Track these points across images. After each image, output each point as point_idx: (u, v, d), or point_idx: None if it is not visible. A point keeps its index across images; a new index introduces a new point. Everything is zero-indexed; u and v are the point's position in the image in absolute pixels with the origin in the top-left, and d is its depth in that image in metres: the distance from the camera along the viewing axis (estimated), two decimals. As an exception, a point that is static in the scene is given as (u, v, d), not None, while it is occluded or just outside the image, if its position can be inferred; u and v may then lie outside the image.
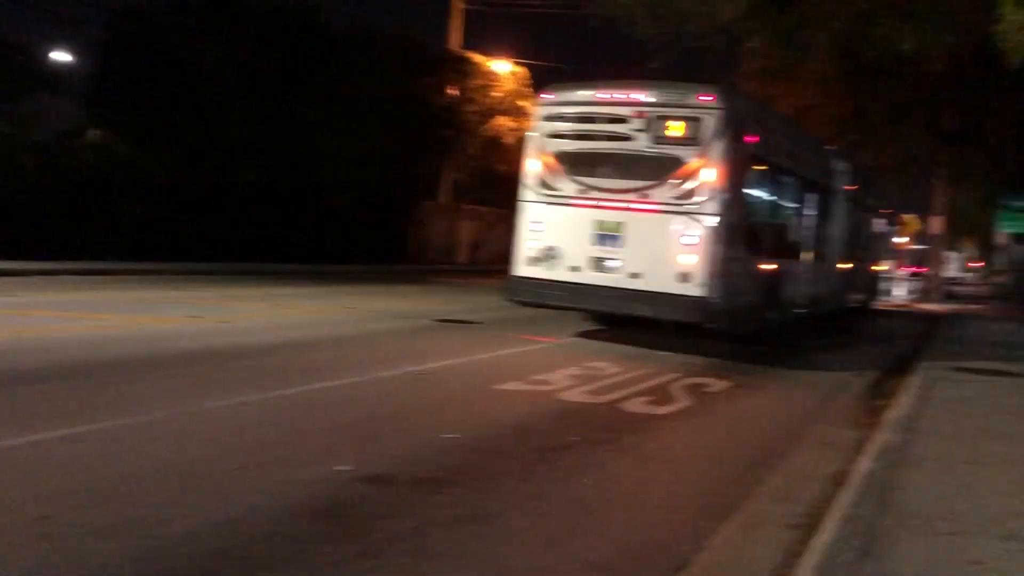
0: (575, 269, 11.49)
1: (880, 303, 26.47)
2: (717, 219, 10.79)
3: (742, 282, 11.60)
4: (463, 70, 34.02)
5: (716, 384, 9.14)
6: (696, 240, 10.81)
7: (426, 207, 34.91)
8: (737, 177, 11.11)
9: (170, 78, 27.24)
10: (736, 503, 5.04)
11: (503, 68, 34.26)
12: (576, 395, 7.83)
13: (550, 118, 11.74)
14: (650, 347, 11.57)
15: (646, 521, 4.71)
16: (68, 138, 21.72)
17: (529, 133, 11.99)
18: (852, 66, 18.64)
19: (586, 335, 12.39)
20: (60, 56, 33.04)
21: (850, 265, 19.73)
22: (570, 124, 11.58)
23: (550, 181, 11.73)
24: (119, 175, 22.21)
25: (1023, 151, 25.97)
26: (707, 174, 10.80)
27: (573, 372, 9.03)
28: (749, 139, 11.49)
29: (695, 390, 8.68)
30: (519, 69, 34.30)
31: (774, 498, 5.19)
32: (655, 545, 4.32)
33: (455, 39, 37.03)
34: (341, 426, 5.97)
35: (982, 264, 73.16)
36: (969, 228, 53.97)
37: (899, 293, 33.36)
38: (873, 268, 23.95)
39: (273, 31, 27.95)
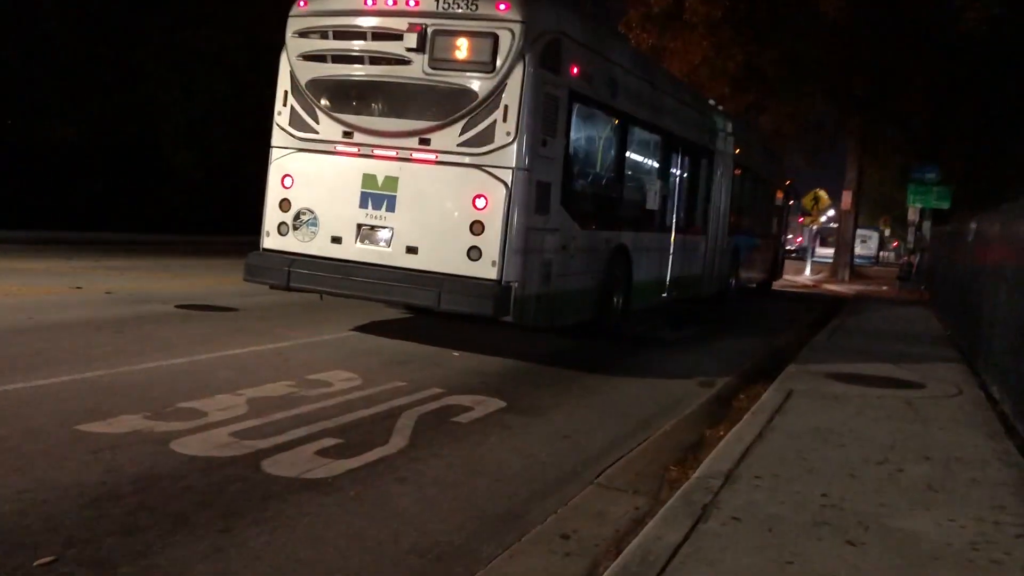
0: (337, 240, 8.52)
1: (783, 283, 24.25)
2: (518, 174, 7.91)
3: (563, 261, 8.78)
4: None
5: (478, 408, 6.28)
6: (489, 203, 7.92)
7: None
8: (548, 119, 8.24)
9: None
10: None
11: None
12: (212, 440, 4.88)
13: (304, 34, 8.66)
14: (447, 344, 8.74)
15: None
16: None
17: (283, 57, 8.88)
18: (742, 10, 15.97)
19: (371, 327, 9.44)
20: None
21: (742, 242, 17.22)
22: (329, 43, 8.52)
23: (306, 121, 8.69)
24: None
25: (935, 121, 23.85)
26: (504, 113, 7.90)
27: (268, 392, 6.07)
28: (571, 69, 8.61)
29: (434, 421, 5.81)
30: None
31: None
32: None
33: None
34: None
35: (896, 244, 72.77)
36: (885, 205, 52.75)
37: (806, 272, 31.37)
38: (773, 245, 21.56)
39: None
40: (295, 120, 8.73)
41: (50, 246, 15.79)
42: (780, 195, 21.91)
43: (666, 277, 12.64)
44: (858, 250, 39.97)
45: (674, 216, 12.82)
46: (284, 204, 8.75)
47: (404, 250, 8.22)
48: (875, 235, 62.83)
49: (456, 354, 8.41)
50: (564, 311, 9.10)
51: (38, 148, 21.39)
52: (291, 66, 8.71)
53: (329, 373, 6.86)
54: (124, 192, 23.20)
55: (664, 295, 12.71)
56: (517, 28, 7.83)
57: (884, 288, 26.56)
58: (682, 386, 8.17)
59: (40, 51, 23.26)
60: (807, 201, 29.56)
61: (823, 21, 15.91)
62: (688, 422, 6.65)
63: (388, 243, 8.29)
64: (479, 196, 7.94)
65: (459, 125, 8.01)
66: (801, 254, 40.87)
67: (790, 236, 34.30)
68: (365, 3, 8.33)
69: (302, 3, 8.68)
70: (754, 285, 19.89)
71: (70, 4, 23.97)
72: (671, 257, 12.74)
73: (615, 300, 10.53)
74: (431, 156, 8.14)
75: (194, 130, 24.60)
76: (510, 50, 7.82)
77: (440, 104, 8.11)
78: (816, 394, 7.45)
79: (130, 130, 23.58)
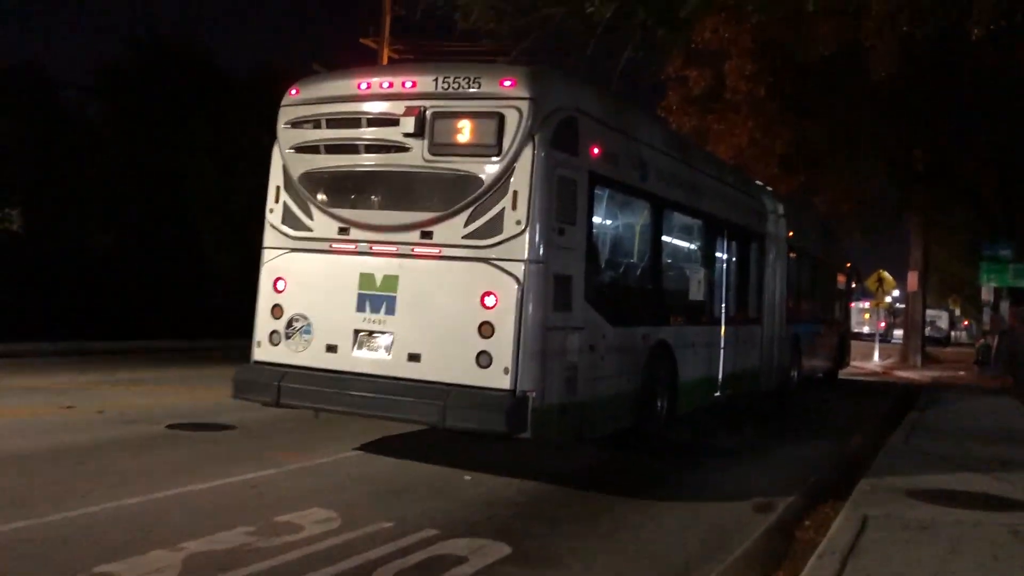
0: (332, 349, 7.55)
1: (851, 371, 22.61)
2: (531, 267, 6.90)
3: (591, 363, 7.67)
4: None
5: (474, 559, 5.10)
6: (499, 301, 6.90)
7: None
8: (565, 205, 7.25)
9: (53, 133, 23.89)
10: None
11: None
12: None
13: (297, 124, 7.90)
14: (461, 463, 7.64)
15: None
16: None
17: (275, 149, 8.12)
18: (787, 84, 15.06)
19: (380, 444, 8.36)
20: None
21: (802, 330, 15.87)
22: (322, 132, 7.74)
23: (299, 218, 7.87)
24: None
25: (1006, 192, 22.37)
26: (513, 200, 6.95)
27: (216, 544, 5.00)
28: (590, 150, 7.67)
29: (415, 579, 4.67)
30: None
31: None
32: None
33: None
34: None
35: (968, 324, 69.63)
36: (953, 283, 50.45)
37: (875, 358, 29.52)
38: (837, 332, 20.07)
39: (158, 77, 24.55)
40: (288, 217, 7.91)
41: (72, 358, 15.22)
42: (841, 278, 20.54)
43: (717, 374, 11.38)
44: (928, 331, 37.93)
45: (723, 306, 11.65)
46: (276, 310, 7.85)
47: (406, 358, 7.20)
48: (944, 315, 60.30)
49: (468, 477, 7.27)
50: (596, 421, 7.93)
51: (74, 256, 21.24)
52: (283, 159, 7.94)
53: (303, 512, 5.77)
54: (162, 298, 22.82)
55: (717, 394, 11.43)
56: (525, 106, 6.94)
57: (961, 374, 24.64)
58: (734, 511, 6.87)
59: (85, 157, 23.54)
60: (871, 283, 28.03)
61: (875, 90, 14.92)
62: (739, 568, 5.37)
63: (388, 350, 7.29)
64: (488, 294, 6.93)
65: (464, 215, 7.07)
66: (885, 337, 39.27)
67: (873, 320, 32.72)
68: (359, 87, 7.58)
69: (294, 91, 7.97)
70: (820, 375, 18.40)
71: (115, 106, 24.43)
72: (722, 351, 11.50)
73: (658, 404, 9.32)
74: (434, 251, 7.19)
75: (235, 230, 24.33)
76: (517, 130, 6.92)
77: (442, 193, 7.21)
78: (897, 523, 6.10)
79: (170, 234, 23.42)
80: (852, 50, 13.70)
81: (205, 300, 24.06)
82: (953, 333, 64.48)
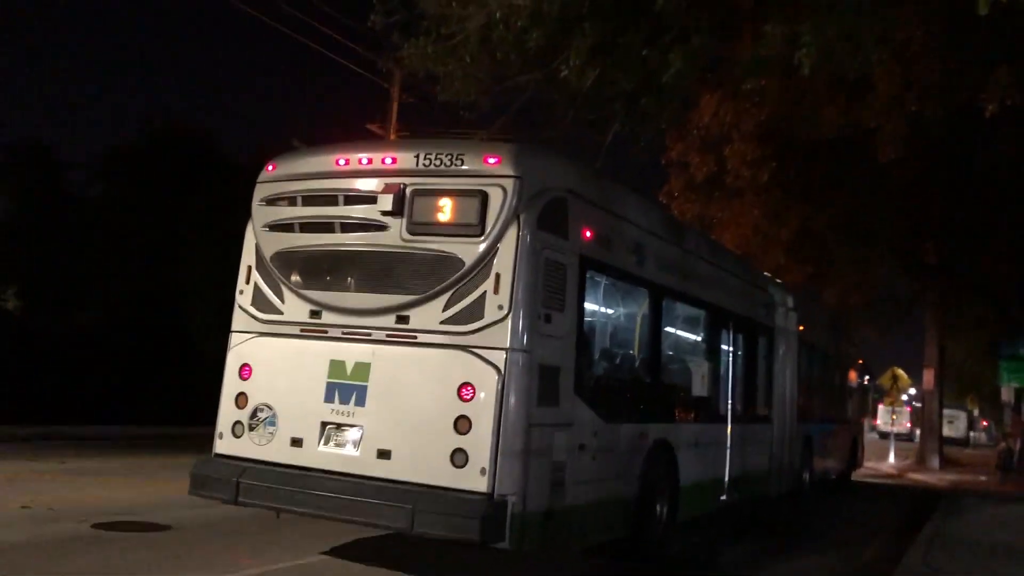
0: (297, 443, 6.91)
1: (865, 472, 21.65)
2: (513, 356, 6.31)
3: (581, 464, 7.01)
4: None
5: None
6: (477, 393, 6.30)
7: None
8: (553, 290, 6.71)
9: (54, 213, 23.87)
10: None
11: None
12: None
13: (272, 201, 7.45)
14: (434, 570, 6.88)
15: None
16: None
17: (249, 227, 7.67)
18: (792, 170, 14.71)
19: (353, 548, 7.63)
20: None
21: (814, 429, 15.10)
22: (297, 210, 7.29)
23: (270, 300, 7.35)
24: None
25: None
26: (495, 283, 6.42)
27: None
28: (582, 232, 7.17)
29: None
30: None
31: None
32: None
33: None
34: None
35: (986, 424, 67.89)
36: (973, 382, 49.24)
37: (890, 459, 28.43)
38: (850, 431, 19.22)
39: (162, 160, 24.61)
40: (258, 300, 7.40)
41: (34, 443, 14.50)
42: (853, 375, 19.80)
43: (723, 476, 10.62)
44: (945, 431, 36.81)
45: (730, 403, 10.98)
46: (240, 399, 7.26)
47: (375, 454, 6.55)
48: (963, 415, 58.68)
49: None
50: (585, 529, 7.22)
51: (60, 336, 20.72)
52: (256, 238, 7.47)
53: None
54: (145, 382, 22.14)
55: (723, 498, 10.64)
56: (510, 184, 6.48)
57: (982, 479, 23.57)
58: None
59: (83, 237, 23.36)
60: (885, 380, 27.21)
61: (883, 175, 14.55)
62: None
63: (356, 445, 6.65)
64: (465, 385, 6.32)
65: (443, 299, 6.53)
66: (909, 437, 38.39)
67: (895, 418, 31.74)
68: (337, 163, 7.16)
69: (270, 167, 7.55)
70: (833, 477, 17.50)
71: (118, 188, 24.41)
72: (728, 452, 10.77)
73: (657, 509, 8.57)
74: (409, 337, 6.63)
75: (224, 314, 23.85)
76: (501, 210, 6.44)
77: (421, 275, 6.68)
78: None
79: (158, 315, 22.94)
80: (858, 133, 13.38)
81: (189, 386, 23.44)
82: (972, 434, 62.72)
